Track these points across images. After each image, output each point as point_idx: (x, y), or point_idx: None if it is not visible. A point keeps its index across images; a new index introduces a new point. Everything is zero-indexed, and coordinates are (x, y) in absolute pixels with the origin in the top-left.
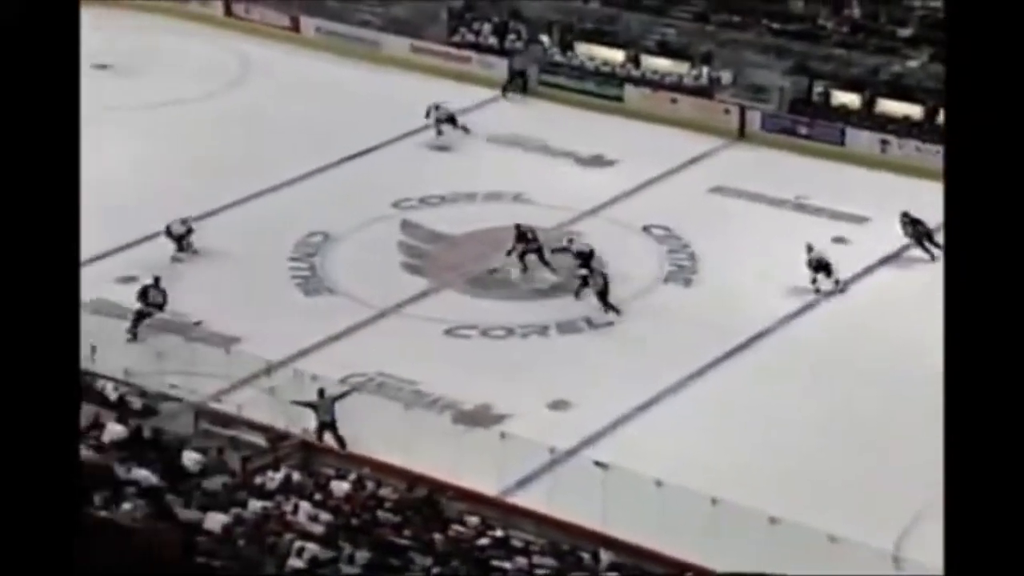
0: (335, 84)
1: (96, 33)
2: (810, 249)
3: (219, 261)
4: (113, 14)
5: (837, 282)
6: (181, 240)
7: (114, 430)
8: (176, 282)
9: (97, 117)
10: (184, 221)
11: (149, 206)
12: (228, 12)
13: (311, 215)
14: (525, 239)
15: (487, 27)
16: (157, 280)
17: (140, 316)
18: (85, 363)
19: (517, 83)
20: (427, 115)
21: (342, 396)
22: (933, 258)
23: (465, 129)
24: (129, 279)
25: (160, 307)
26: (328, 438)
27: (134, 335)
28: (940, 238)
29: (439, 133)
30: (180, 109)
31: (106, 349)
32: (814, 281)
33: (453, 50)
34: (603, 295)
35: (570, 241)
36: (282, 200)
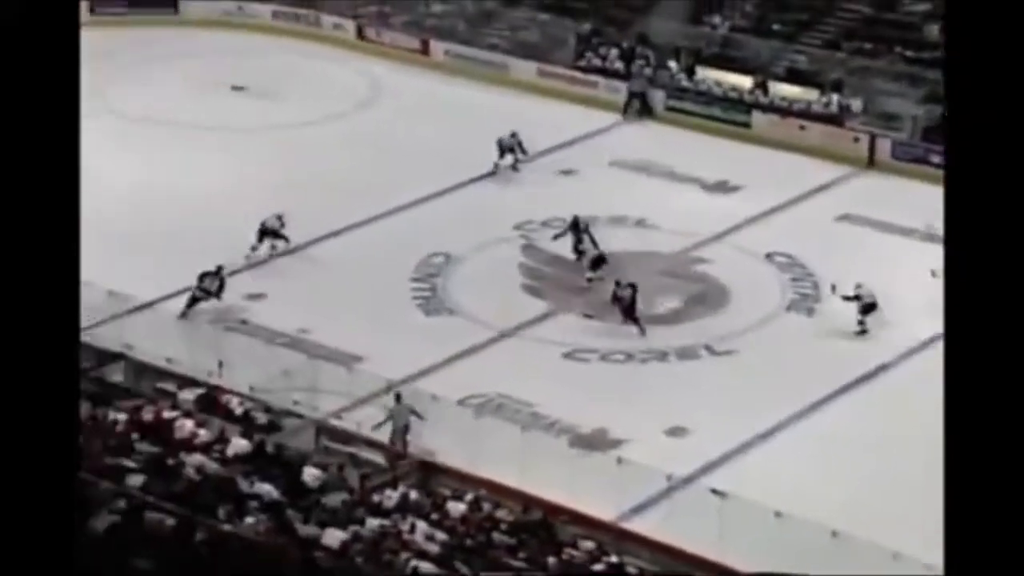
0: (462, 107)
1: (233, 56)
2: (858, 287)
3: (343, 280)
4: (250, 38)
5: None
6: (275, 235)
7: (239, 444)
8: (300, 299)
9: (232, 137)
10: (279, 216)
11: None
12: (360, 35)
13: (434, 236)
14: (577, 229)
15: (614, 52)
16: (219, 268)
17: (194, 300)
18: (212, 378)
19: (634, 105)
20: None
21: (415, 413)
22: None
23: (522, 150)
24: (257, 296)
25: (214, 295)
26: (399, 443)
27: (184, 315)
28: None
29: (514, 167)
30: (311, 130)
31: (234, 365)
32: (861, 323)
33: (579, 74)
34: (630, 309)
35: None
36: (406, 220)
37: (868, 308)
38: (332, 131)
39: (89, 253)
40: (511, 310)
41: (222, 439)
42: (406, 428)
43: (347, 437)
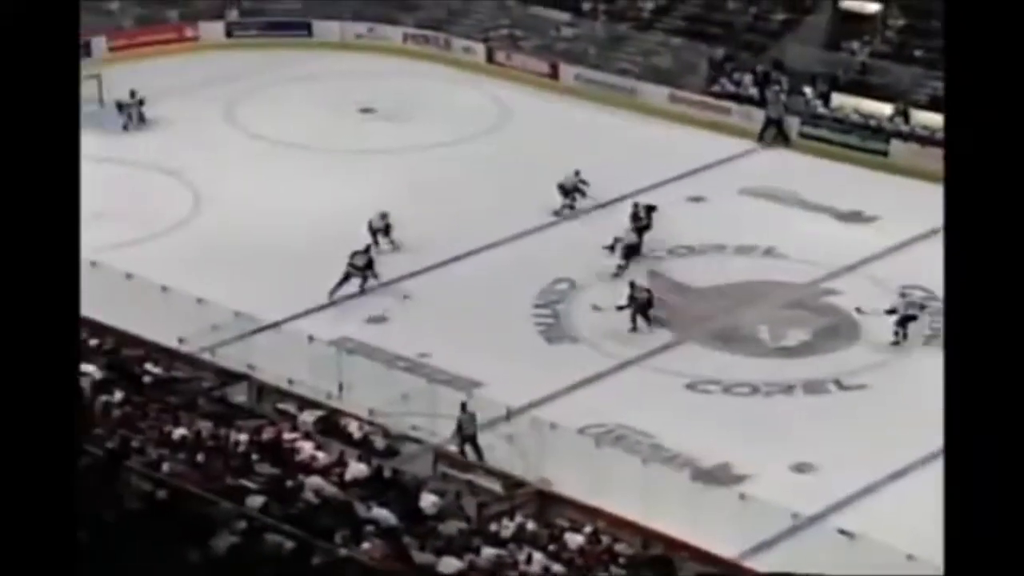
0: (591, 131)
1: (364, 78)
2: (902, 295)
3: (465, 304)
4: (381, 60)
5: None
6: (377, 234)
7: (357, 468)
8: (421, 323)
9: (361, 159)
10: (384, 216)
11: (403, 248)
12: (490, 59)
13: (559, 262)
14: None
15: (747, 78)
16: (368, 247)
17: (345, 277)
18: (332, 400)
19: (771, 132)
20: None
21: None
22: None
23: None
24: (379, 318)
25: (364, 271)
26: (469, 451)
27: (332, 293)
28: None
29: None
30: (440, 153)
31: (354, 387)
32: (896, 333)
33: (711, 100)
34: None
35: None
36: (532, 245)
37: (907, 319)
38: (460, 154)
39: (216, 273)
40: (634, 339)
41: (341, 462)
42: (475, 436)
43: (465, 464)
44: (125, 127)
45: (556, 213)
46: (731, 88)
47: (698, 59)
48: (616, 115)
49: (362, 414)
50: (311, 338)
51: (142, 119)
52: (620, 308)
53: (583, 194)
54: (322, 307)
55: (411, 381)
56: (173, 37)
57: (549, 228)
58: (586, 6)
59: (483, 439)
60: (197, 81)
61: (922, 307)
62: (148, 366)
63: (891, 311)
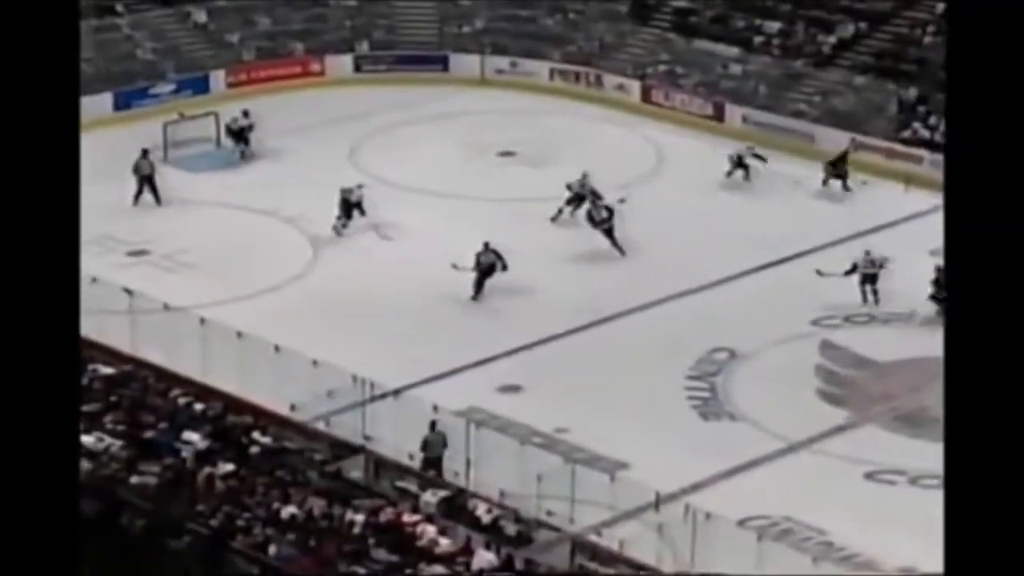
0: (761, 181)
1: (505, 118)
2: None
3: (610, 373)
4: (524, 98)
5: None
6: (357, 207)
7: (484, 557)
8: (560, 393)
9: (498, 208)
10: (360, 186)
11: (540, 307)
12: (646, 98)
13: (718, 327)
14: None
15: (944, 122)
16: (486, 244)
17: (480, 279)
18: (459, 479)
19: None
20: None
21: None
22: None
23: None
24: (512, 387)
25: (494, 268)
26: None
27: (475, 297)
28: None
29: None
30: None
31: (483, 465)
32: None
33: (901, 147)
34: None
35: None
36: (688, 308)
37: (868, 278)
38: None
39: (333, 332)
40: (805, 419)
41: (466, 550)
42: (439, 460)
43: (608, 556)
44: (243, 155)
45: (553, 219)
46: (924, 134)
47: (886, 100)
48: (791, 163)
49: (492, 495)
50: (436, 408)
51: (248, 144)
52: (847, 274)
53: (599, 195)
54: (449, 373)
55: (547, 459)
56: (297, 72)
57: (707, 290)
58: (757, 40)
59: (629, 528)
60: (321, 120)
61: (881, 265)
62: (256, 435)
63: (851, 270)
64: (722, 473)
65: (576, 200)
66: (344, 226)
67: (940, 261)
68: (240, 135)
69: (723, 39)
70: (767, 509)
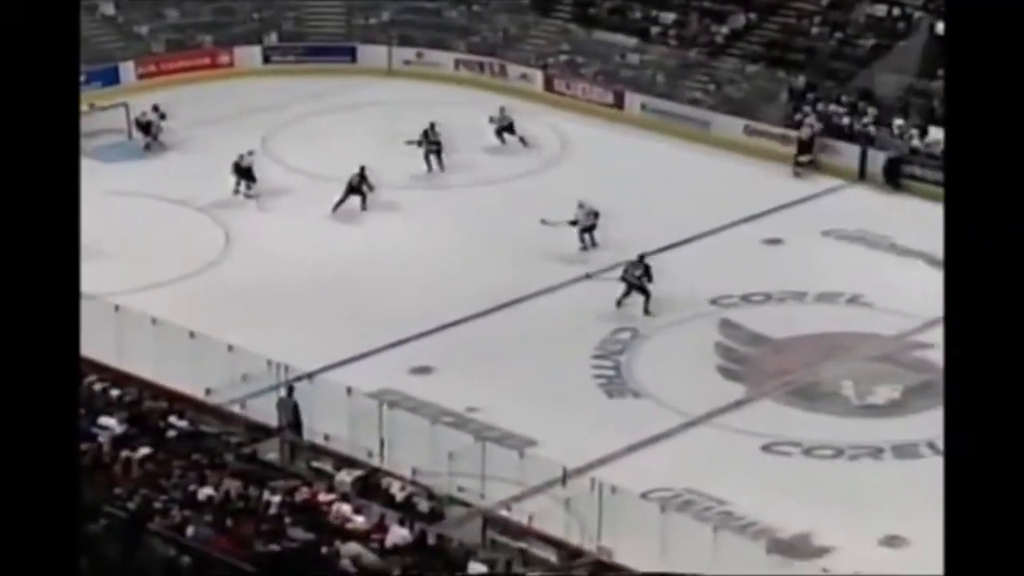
0: (659, 167)
1: (412, 108)
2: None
3: (517, 354)
4: (430, 88)
5: None
6: (247, 175)
7: (398, 533)
8: (469, 374)
9: (406, 196)
10: (251, 152)
11: (450, 291)
12: (548, 87)
13: (620, 309)
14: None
15: (832, 108)
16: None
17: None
18: (373, 459)
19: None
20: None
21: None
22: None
23: (524, 141)
24: (423, 369)
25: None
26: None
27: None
28: None
29: (502, 142)
30: (493, 189)
31: (396, 444)
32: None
33: (792, 133)
34: None
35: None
36: (590, 290)
37: (587, 228)
38: (516, 190)
39: (247, 318)
40: (705, 394)
41: (381, 527)
42: (292, 425)
43: (518, 530)
44: (147, 147)
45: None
46: (812, 121)
47: (777, 88)
48: (687, 149)
49: (405, 474)
50: (349, 390)
51: (156, 139)
52: (571, 224)
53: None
54: (361, 356)
55: (458, 438)
56: (206, 63)
57: (610, 272)
58: (654, 30)
59: (537, 503)
60: (231, 111)
61: (596, 215)
62: (173, 419)
63: (573, 222)
64: (626, 448)
65: (352, 192)
66: (243, 192)
67: (847, 250)
68: (148, 128)
69: (621, 29)
70: (670, 482)
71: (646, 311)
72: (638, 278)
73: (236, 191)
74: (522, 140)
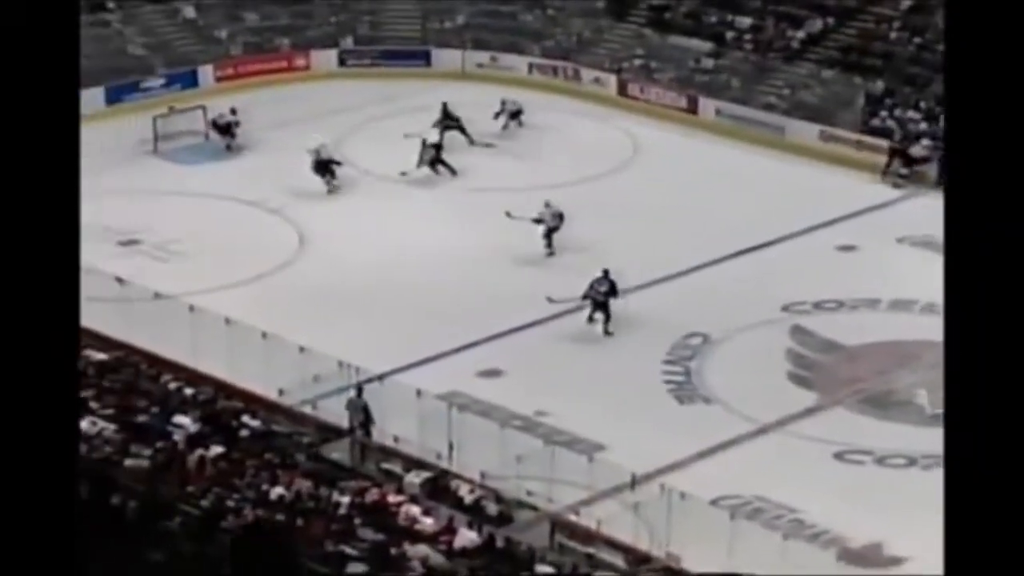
0: (732, 172)
1: (484, 111)
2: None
3: (587, 358)
4: (503, 91)
5: None
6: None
7: (466, 536)
8: (539, 378)
9: (476, 198)
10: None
11: (520, 294)
12: (622, 91)
13: (692, 314)
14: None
15: (909, 114)
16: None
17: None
18: (442, 461)
19: (896, 166)
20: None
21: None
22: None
23: (452, 171)
24: (492, 372)
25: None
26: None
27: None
28: None
29: (504, 127)
30: (563, 193)
31: (465, 447)
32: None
33: (868, 139)
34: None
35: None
36: (661, 296)
37: (551, 229)
38: (586, 194)
39: (320, 319)
40: (776, 401)
41: (449, 529)
42: (362, 425)
43: (585, 535)
44: (228, 147)
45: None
46: (890, 125)
47: (853, 94)
48: (761, 154)
49: (473, 477)
50: (419, 392)
51: (234, 139)
52: (534, 221)
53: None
54: (432, 359)
55: (527, 442)
56: (283, 66)
57: (681, 277)
58: (729, 35)
59: (606, 507)
60: (306, 113)
61: (561, 216)
62: (246, 419)
63: (537, 220)
64: (696, 454)
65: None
66: (331, 184)
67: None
68: (226, 129)
69: (696, 34)
70: (739, 489)
71: (606, 331)
72: (604, 295)
73: (328, 186)
74: (450, 169)
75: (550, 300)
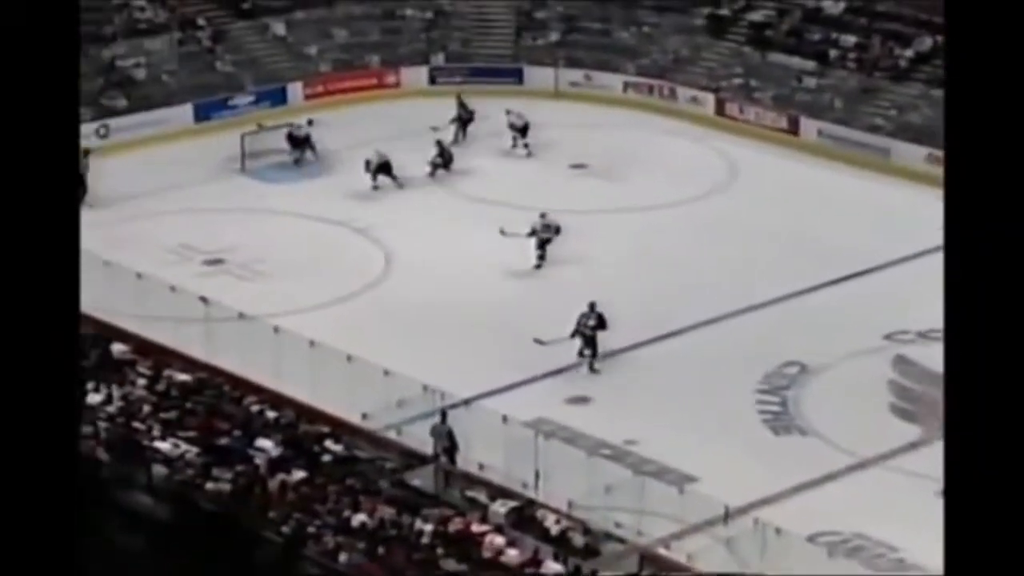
0: (833, 195)
1: (578, 130)
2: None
3: (679, 386)
4: (597, 110)
5: None
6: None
7: (552, 568)
8: (629, 406)
9: (567, 220)
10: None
11: (611, 318)
12: (720, 111)
13: (788, 342)
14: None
15: None
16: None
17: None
18: (528, 490)
19: None
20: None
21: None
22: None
23: (399, 183)
24: (581, 399)
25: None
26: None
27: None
28: None
29: (513, 146)
30: (656, 215)
31: (552, 476)
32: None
33: None
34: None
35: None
36: (757, 322)
37: (543, 241)
38: (681, 217)
39: (405, 342)
40: (877, 434)
41: (535, 561)
42: (447, 451)
43: (677, 569)
44: (297, 162)
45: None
46: None
47: None
48: (865, 178)
49: (560, 507)
50: (505, 418)
51: (313, 149)
52: (528, 235)
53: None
54: (518, 384)
55: (616, 471)
56: (373, 83)
57: (778, 304)
58: (832, 53)
59: (697, 541)
60: (396, 131)
61: (557, 230)
62: (328, 443)
63: (531, 233)
64: (792, 488)
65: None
66: (395, 183)
67: None
68: (304, 141)
69: (798, 53)
70: (838, 525)
71: (591, 368)
72: (592, 329)
73: (374, 187)
74: (397, 181)
75: (537, 341)
